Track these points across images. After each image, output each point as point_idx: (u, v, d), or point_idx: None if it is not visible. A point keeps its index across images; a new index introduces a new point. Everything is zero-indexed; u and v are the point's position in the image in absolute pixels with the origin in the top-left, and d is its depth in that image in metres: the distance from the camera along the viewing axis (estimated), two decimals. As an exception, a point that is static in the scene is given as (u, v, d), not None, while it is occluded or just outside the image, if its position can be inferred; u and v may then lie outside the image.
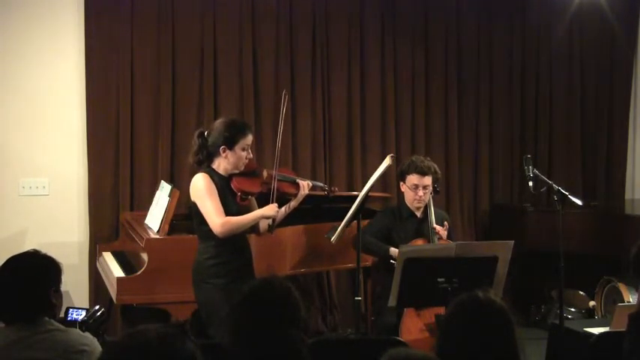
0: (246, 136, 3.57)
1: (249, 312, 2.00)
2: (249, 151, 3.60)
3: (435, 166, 4.23)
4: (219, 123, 3.62)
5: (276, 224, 3.67)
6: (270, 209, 3.58)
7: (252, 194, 3.66)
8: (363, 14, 5.76)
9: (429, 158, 4.29)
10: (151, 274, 4.07)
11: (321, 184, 4.09)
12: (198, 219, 3.54)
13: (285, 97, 3.74)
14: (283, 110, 3.74)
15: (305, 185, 3.74)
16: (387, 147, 5.75)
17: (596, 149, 6.42)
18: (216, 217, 3.44)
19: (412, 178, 4.16)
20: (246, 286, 2.09)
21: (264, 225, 3.73)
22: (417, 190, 4.15)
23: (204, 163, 3.60)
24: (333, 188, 4.15)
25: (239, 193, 3.58)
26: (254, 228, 3.70)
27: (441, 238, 4.09)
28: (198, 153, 3.59)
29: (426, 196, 4.16)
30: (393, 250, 4.03)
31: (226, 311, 2.14)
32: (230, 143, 3.53)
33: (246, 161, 3.59)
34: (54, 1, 5.15)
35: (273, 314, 1.99)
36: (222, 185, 3.54)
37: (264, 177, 3.68)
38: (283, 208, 3.69)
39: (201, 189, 3.47)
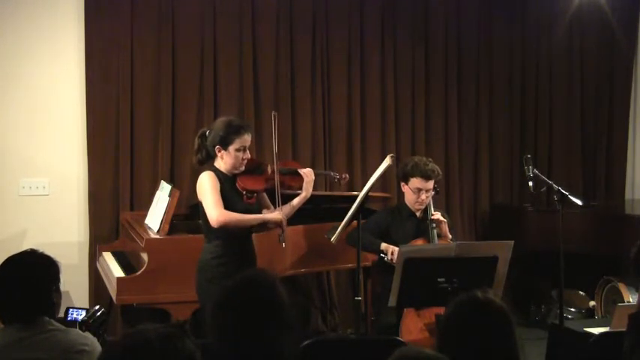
0: (242, 136, 3.55)
1: (230, 313, 1.93)
2: (247, 151, 3.59)
3: (438, 168, 4.23)
4: (217, 122, 3.64)
5: (285, 229, 3.63)
6: (275, 214, 3.60)
7: (256, 192, 3.65)
8: (363, 14, 5.76)
9: (430, 159, 4.28)
10: (150, 274, 4.06)
11: (332, 173, 4.07)
12: (205, 218, 3.55)
13: (275, 118, 3.71)
14: (275, 131, 3.69)
15: (307, 172, 3.74)
16: (387, 147, 5.75)
17: (596, 149, 6.42)
18: (213, 209, 3.44)
19: (416, 182, 4.15)
20: (229, 282, 1.99)
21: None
22: (419, 194, 4.15)
23: (205, 163, 3.61)
24: (343, 175, 4.12)
25: (244, 192, 3.58)
26: (262, 227, 3.69)
27: (440, 233, 4.09)
28: (197, 153, 3.62)
29: (427, 199, 4.17)
30: (384, 246, 4.05)
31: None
32: (224, 143, 3.53)
33: (244, 162, 3.58)
34: (54, 1, 5.15)
35: (255, 316, 1.91)
36: (228, 184, 3.54)
37: (269, 173, 3.68)
38: (287, 206, 3.68)
39: (205, 185, 3.49)
